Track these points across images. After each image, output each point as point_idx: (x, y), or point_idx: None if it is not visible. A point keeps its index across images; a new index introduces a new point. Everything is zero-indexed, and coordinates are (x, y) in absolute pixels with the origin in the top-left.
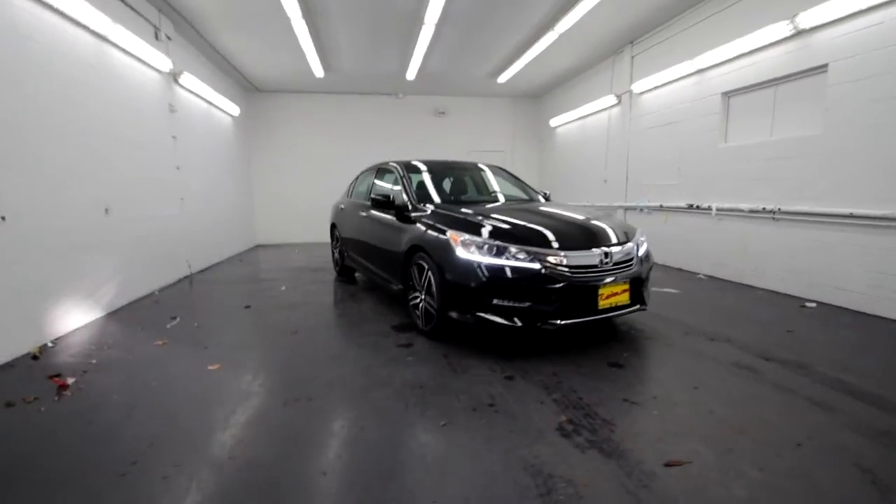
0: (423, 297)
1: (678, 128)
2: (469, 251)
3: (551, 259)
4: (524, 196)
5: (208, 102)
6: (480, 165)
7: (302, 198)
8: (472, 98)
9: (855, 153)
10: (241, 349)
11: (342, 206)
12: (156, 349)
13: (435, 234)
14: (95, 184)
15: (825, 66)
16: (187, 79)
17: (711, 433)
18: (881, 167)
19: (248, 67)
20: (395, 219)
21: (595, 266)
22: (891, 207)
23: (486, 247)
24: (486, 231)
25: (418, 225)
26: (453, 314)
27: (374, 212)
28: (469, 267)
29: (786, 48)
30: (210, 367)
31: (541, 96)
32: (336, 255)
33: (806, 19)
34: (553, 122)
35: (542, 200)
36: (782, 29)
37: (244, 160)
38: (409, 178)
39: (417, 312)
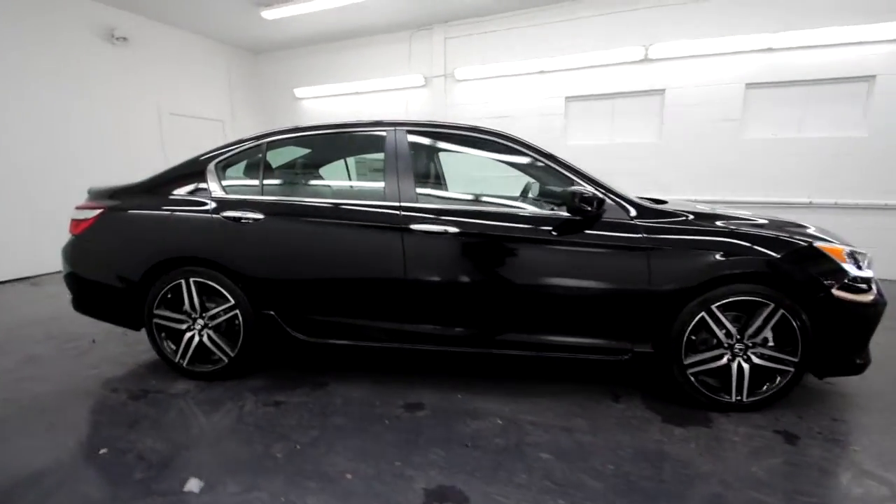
0: (741, 354)
1: (518, 122)
2: (857, 269)
3: None
4: None
5: None
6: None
7: None
8: (172, 28)
9: (686, 156)
10: None
11: (253, 219)
12: None
13: (782, 250)
14: None
15: (663, 90)
16: None
17: None
18: (707, 167)
19: None
20: (577, 235)
21: None
22: (719, 195)
23: (859, 259)
24: (838, 237)
25: (696, 248)
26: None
27: (494, 225)
28: (871, 291)
29: (633, 70)
30: None
31: (263, 52)
32: (208, 334)
33: (654, 51)
34: (301, 92)
35: None
36: (637, 53)
37: None
38: (558, 160)
39: (723, 384)
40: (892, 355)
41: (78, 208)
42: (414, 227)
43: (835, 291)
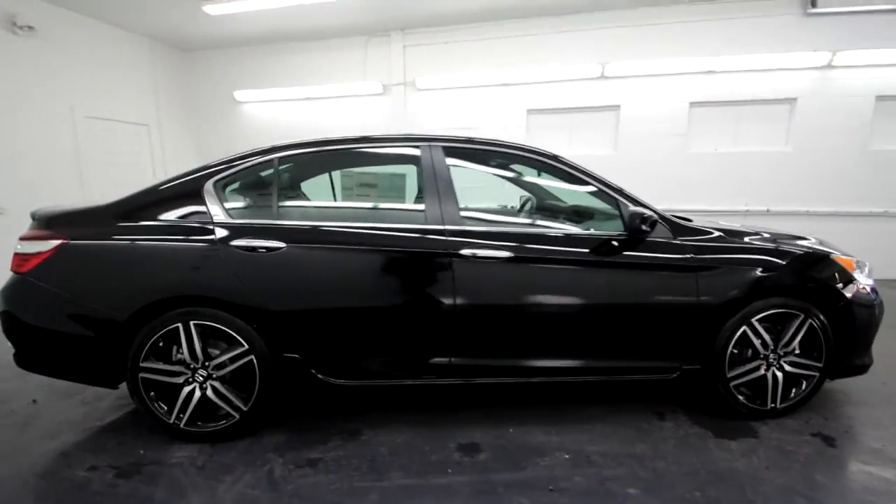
0: (775, 363)
1: (480, 134)
2: (863, 277)
3: None
4: None
5: None
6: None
7: None
8: (88, 19)
9: (640, 168)
10: None
11: (271, 248)
12: None
13: (807, 264)
14: None
15: (618, 106)
16: None
17: None
18: (658, 178)
19: None
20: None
21: None
22: (669, 204)
23: (861, 268)
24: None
25: (744, 267)
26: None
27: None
28: (873, 298)
29: (591, 86)
30: None
31: (195, 50)
32: (213, 386)
33: (610, 69)
34: (242, 95)
35: None
36: (594, 70)
37: None
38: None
39: (756, 393)
40: None
41: (24, 239)
42: (464, 252)
43: (850, 299)
